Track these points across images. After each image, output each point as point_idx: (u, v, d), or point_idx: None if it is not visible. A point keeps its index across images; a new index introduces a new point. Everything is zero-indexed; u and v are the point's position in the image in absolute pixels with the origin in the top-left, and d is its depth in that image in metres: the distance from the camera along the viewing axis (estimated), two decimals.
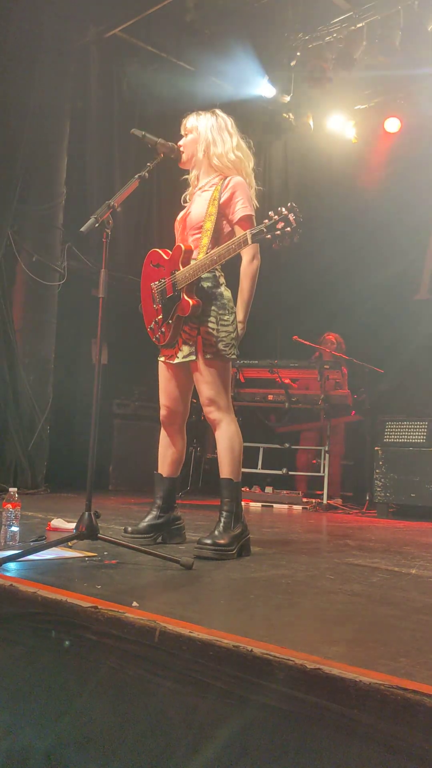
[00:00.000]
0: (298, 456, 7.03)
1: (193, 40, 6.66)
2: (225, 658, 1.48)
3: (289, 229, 2.64)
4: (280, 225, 2.64)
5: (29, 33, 5.88)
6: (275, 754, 1.39)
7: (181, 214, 3.16)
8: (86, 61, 6.64)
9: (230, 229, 3.06)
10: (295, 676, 1.38)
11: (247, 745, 1.43)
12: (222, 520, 2.89)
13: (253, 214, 3.03)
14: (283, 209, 2.65)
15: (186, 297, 2.91)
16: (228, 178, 3.04)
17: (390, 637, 1.70)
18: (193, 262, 2.92)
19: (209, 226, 2.99)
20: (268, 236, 2.67)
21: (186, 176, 3.25)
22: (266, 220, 2.68)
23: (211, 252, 2.85)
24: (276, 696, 1.40)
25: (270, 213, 2.67)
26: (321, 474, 6.17)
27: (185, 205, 3.22)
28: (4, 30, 5.73)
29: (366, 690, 1.30)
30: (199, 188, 3.12)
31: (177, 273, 2.94)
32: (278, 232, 2.64)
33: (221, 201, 3.01)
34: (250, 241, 2.72)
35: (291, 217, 2.63)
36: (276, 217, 2.66)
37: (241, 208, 3.01)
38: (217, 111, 3.14)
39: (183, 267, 2.93)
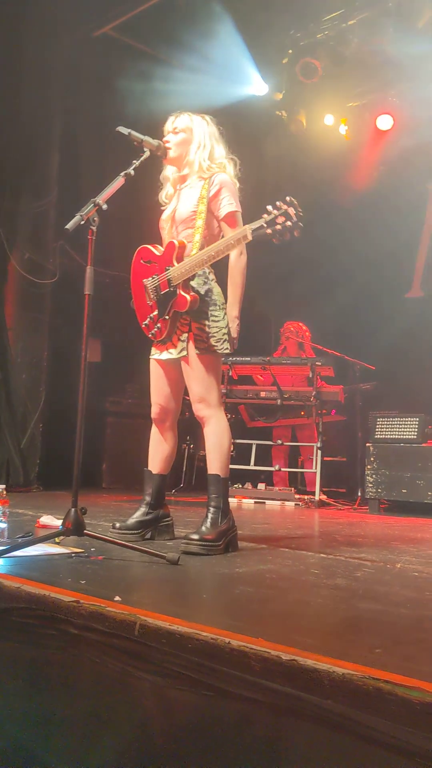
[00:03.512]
0: (273, 452, 7.05)
1: (183, 37, 6.65)
2: (204, 650, 1.50)
3: (289, 223, 2.66)
4: (281, 219, 2.66)
5: (18, 32, 5.88)
6: (252, 744, 1.41)
7: (167, 212, 3.17)
8: (76, 59, 6.64)
9: (219, 225, 3.08)
10: (271, 668, 1.40)
11: (224, 736, 1.44)
12: (209, 515, 2.91)
13: (239, 210, 3.05)
14: (282, 204, 2.67)
15: (182, 293, 2.93)
16: (214, 176, 3.06)
17: (368, 630, 1.72)
18: (187, 258, 2.93)
19: (200, 223, 3.01)
20: (268, 231, 2.68)
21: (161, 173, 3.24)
22: (265, 215, 2.69)
23: (209, 247, 2.87)
24: (253, 687, 1.41)
25: (268, 208, 2.69)
26: (313, 470, 6.19)
27: (165, 202, 3.23)
28: None
29: (339, 680, 1.31)
30: (186, 186, 3.13)
31: (171, 269, 2.96)
32: (279, 227, 2.66)
33: (209, 197, 3.02)
34: (250, 237, 2.74)
35: (291, 211, 2.65)
36: (275, 211, 2.67)
37: (227, 205, 3.02)
38: (208, 117, 3.17)
39: (177, 263, 2.95)
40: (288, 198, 2.68)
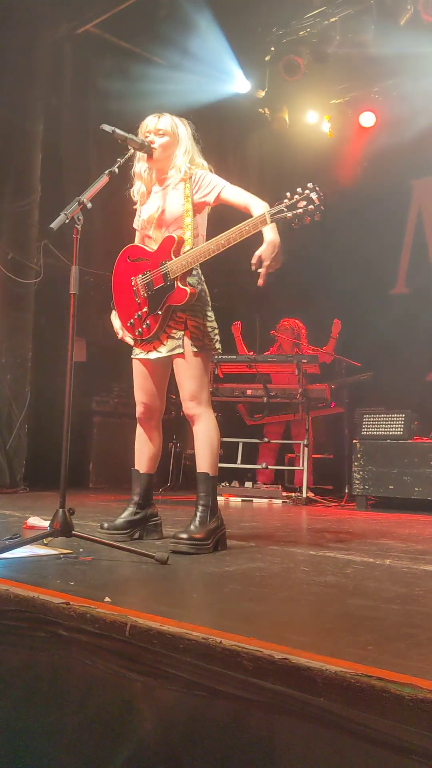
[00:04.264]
0: (261, 449, 7.05)
1: (166, 35, 6.63)
2: (195, 650, 1.50)
3: (311, 207, 2.67)
4: (302, 204, 2.67)
5: (0, 31, 5.84)
6: (246, 744, 1.40)
7: (149, 212, 3.12)
8: (59, 57, 6.59)
9: (204, 220, 3.06)
10: (264, 667, 1.40)
11: (218, 736, 1.44)
12: (198, 514, 2.90)
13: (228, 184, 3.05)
14: (305, 189, 2.68)
15: (181, 285, 2.93)
16: (193, 175, 3.05)
17: (359, 627, 1.72)
18: (191, 250, 2.91)
19: (189, 221, 3.00)
20: (289, 215, 2.69)
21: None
22: (285, 200, 2.69)
23: (220, 236, 2.81)
24: (245, 686, 1.41)
25: (288, 193, 2.70)
26: (300, 467, 6.20)
27: (135, 199, 3.20)
28: None
29: (332, 678, 1.31)
30: (167, 187, 3.10)
31: (170, 263, 2.94)
32: (300, 211, 2.68)
33: (193, 194, 3.02)
34: (269, 221, 2.73)
35: (313, 196, 2.67)
36: (297, 196, 2.68)
37: (218, 183, 3.02)
38: (185, 120, 3.16)
39: (175, 257, 2.94)
40: (310, 184, 2.69)
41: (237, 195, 2.99)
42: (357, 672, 1.30)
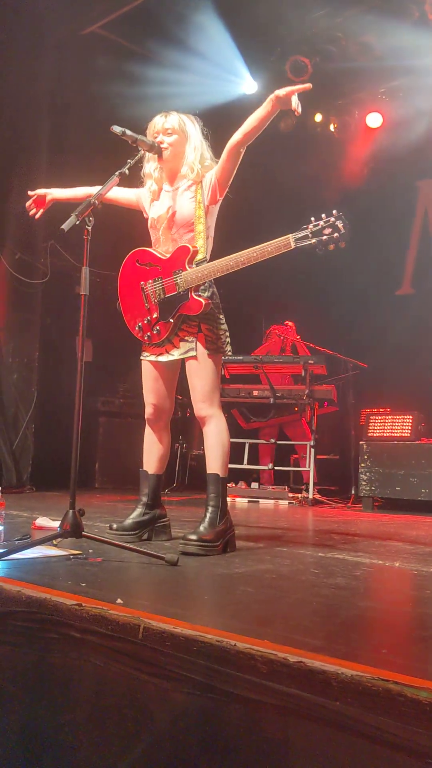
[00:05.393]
0: (260, 450, 7.05)
1: (172, 36, 6.63)
2: (209, 653, 1.49)
3: (337, 234, 2.68)
4: (327, 231, 2.68)
5: (5, 30, 5.84)
6: (260, 747, 1.40)
7: (158, 212, 3.12)
8: (64, 58, 6.60)
9: (214, 220, 3.06)
10: (278, 670, 1.39)
11: (232, 739, 1.44)
12: (208, 515, 2.90)
13: None
14: (331, 216, 2.68)
15: (195, 296, 2.93)
16: (203, 178, 3.04)
17: (372, 630, 1.72)
18: (210, 264, 2.90)
19: (201, 228, 3.00)
20: (313, 241, 2.69)
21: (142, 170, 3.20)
22: (311, 225, 2.70)
23: (240, 253, 2.80)
24: (260, 690, 1.41)
25: (312, 218, 2.71)
26: (307, 468, 6.19)
27: (148, 195, 3.20)
28: None
29: (347, 682, 1.31)
30: (178, 188, 3.10)
31: (184, 273, 2.94)
32: (325, 238, 2.68)
33: (205, 200, 3.01)
34: (293, 245, 2.72)
35: (339, 224, 2.68)
36: (321, 222, 2.69)
37: (211, 175, 3.02)
38: (193, 117, 3.15)
39: (189, 267, 2.93)
40: (335, 211, 2.70)
41: (222, 163, 2.98)
42: (373, 676, 1.30)
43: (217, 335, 2.99)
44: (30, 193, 3.17)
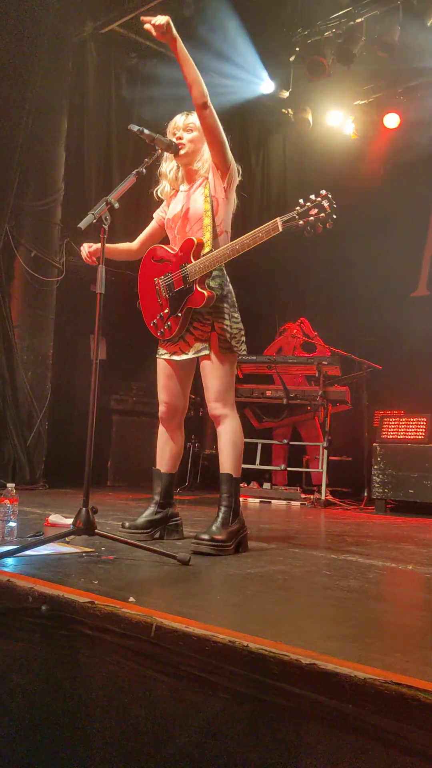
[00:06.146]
0: (273, 450, 7.04)
1: (191, 35, 6.63)
2: (221, 653, 1.49)
3: (323, 214, 2.69)
4: (314, 211, 2.68)
5: (26, 29, 5.87)
6: (271, 748, 1.39)
7: (174, 211, 3.13)
8: (83, 56, 6.62)
9: (222, 221, 3.05)
10: (291, 671, 1.39)
11: (243, 740, 1.43)
12: (220, 515, 2.89)
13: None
14: (317, 196, 2.70)
15: (199, 288, 2.93)
16: (210, 175, 3.05)
17: (385, 633, 1.71)
18: (209, 253, 2.91)
19: (208, 222, 3.00)
20: (300, 222, 2.68)
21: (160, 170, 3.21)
22: (297, 207, 2.70)
23: (234, 242, 2.84)
24: (272, 691, 1.40)
25: (300, 201, 2.72)
26: (319, 470, 6.17)
27: (161, 198, 3.22)
28: (1, 26, 5.72)
29: (361, 685, 1.30)
30: (192, 186, 3.10)
31: (189, 266, 2.95)
32: (311, 218, 2.68)
33: (213, 192, 3.02)
34: (280, 228, 2.73)
35: (325, 203, 2.69)
36: (308, 204, 2.70)
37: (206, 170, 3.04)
38: None
39: (194, 260, 2.94)
40: (323, 191, 2.71)
41: (207, 144, 2.99)
42: (386, 679, 1.29)
43: (231, 334, 2.98)
44: (86, 246, 3.09)
